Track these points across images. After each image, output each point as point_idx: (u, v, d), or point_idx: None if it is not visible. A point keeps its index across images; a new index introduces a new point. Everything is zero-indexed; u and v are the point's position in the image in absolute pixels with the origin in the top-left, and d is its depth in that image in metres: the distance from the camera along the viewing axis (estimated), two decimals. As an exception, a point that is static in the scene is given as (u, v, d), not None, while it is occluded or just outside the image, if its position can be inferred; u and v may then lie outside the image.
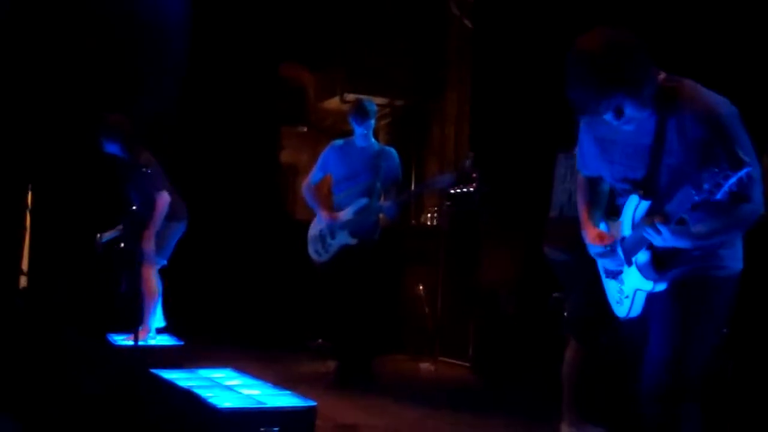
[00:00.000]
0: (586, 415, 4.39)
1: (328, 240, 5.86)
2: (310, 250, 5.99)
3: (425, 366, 6.81)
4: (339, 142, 6.07)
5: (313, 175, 6.11)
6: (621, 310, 3.00)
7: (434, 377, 6.58)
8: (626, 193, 2.89)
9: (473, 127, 8.26)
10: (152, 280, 6.03)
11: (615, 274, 2.99)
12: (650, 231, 2.65)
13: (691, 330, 2.79)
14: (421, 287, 7.38)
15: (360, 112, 5.82)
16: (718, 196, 2.45)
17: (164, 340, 6.02)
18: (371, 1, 9.07)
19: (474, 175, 6.79)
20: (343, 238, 5.78)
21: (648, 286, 2.84)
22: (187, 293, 7.21)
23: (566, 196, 4.43)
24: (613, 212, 3.08)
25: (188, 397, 3.97)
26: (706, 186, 2.45)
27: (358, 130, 5.84)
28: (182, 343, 6.00)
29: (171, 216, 6.07)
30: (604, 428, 4.37)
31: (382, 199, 5.87)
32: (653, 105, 2.70)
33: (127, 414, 4.11)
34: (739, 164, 2.46)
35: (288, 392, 4.18)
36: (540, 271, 6.31)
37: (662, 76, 2.74)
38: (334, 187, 6.05)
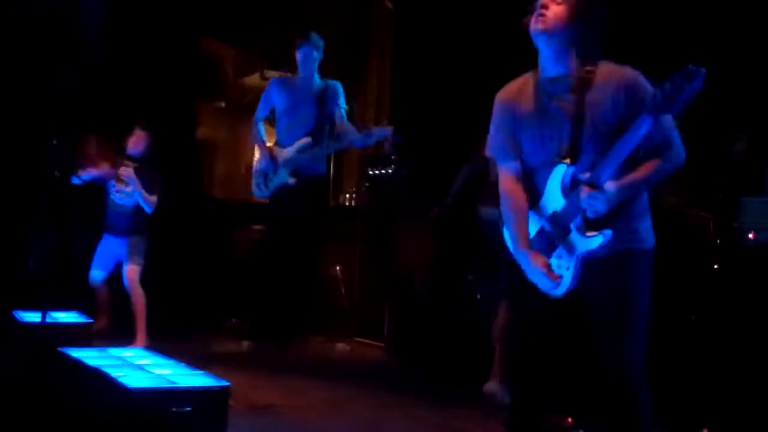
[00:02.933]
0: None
1: (270, 175, 5.81)
2: (253, 183, 5.96)
3: (341, 346, 6.81)
4: (280, 76, 6.06)
5: (259, 111, 6.07)
6: (560, 287, 2.95)
7: (350, 357, 6.59)
8: (548, 165, 2.95)
9: (393, 108, 8.27)
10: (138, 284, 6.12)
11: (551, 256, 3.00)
12: (589, 200, 2.71)
13: (629, 302, 2.87)
14: (338, 268, 7.38)
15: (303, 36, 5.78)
16: (674, 111, 2.56)
17: (73, 317, 5.87)
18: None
19: (393, 156, 6.80)
20: (283, 177, 5.74)
21: (594, 243, 2.85)
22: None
23: None
24: (530, 199, 3.09)
25: (97, 376, 3.88)
26: (660, 105, 2.55)
27: (298, 56, 5.77)
28: (92, 320, 5.87)
29: None
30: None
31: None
32: (572, 71, 2.90)
33: (34, 393, 4.00)
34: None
35: (201, 372, 4.12)
36: (455, 253, 6.39)
37: (578, 63, 2.93)
38: (277, 122, 5.99)
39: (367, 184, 7.30)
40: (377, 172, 7.06)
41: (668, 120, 2.80)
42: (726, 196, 4.74)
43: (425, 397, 5.15)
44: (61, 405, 3.89)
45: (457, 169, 5.91)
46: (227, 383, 3.85)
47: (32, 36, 7.17)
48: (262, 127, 6.11)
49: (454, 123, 6.52)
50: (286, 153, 5.70)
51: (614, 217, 2.86)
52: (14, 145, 6.36)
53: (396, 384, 5.66)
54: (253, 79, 9.25)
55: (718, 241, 4.84)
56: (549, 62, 2.96)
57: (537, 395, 3.15)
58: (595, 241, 2.85)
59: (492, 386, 4.71)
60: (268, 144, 6.02)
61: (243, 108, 9.82)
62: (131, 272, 6.09)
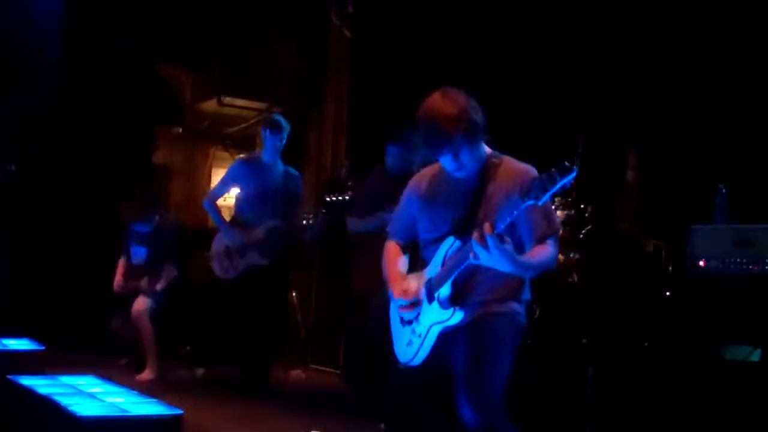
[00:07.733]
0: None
1: (236, 256, 5.74)
2: (215, 266, 5.86)
3: (296, 373, 6.77)
4: (245, 158, 6.02)
5: (218, 191, 6.02)
6: (408, 353, 3.12)
7: (305, 385, 6.56)
8: (439, 241, 3.08)
9: (350, 136, 8.31)
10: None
11: (410, 321, 3.13)
12: (476, 244, 2.74)
13: (488, 361, 2.96)
14: (293, 294, 7.35)
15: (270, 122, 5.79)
16: (544, 199, 2.63)
17: (24, 344, 5.76)
18: (253, 5, 9.00)
19: (349, 183, 6.81)
20: (254, 258, 5.68)
21: (446, 315, 2.98)
22: (50, 296, 6.95)
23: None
24: (417, 267, 3.22)
25: (48, 404, 3.82)
26: (533, 192, 2.63)
27: (264, 137, 5.77)
28: (43, 347, 5.76)
29: None
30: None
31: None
32: (479, 166, 3.07)
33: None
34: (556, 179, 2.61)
35: (153, 400, 4.07)
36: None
37: (489, 151, 3.13)
38: (242, 205, 5.94)
39: (323, 210, 7.29)
40: (334, 198, 7.07)
41: (552, 216, 2.97)
42: (677, 224, 4.83)
43: (380, 424, 5.14)
44: (9, 434, 3.83)
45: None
46: (180, 412, 3.80)
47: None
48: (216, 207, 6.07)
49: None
50: (255, 234, 5.68)
51: (487, 292, 3.01)
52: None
53: (351, 411, 5.64)
54: (210, 105, 9.25)
55: (670, 269, 4.92)
56: (452, 165, 3.09)
57: None
58: (445, 314, 2.98)
59: None
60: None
61: (200, 133, 9.79)
62: (138, 304, 6.19)
